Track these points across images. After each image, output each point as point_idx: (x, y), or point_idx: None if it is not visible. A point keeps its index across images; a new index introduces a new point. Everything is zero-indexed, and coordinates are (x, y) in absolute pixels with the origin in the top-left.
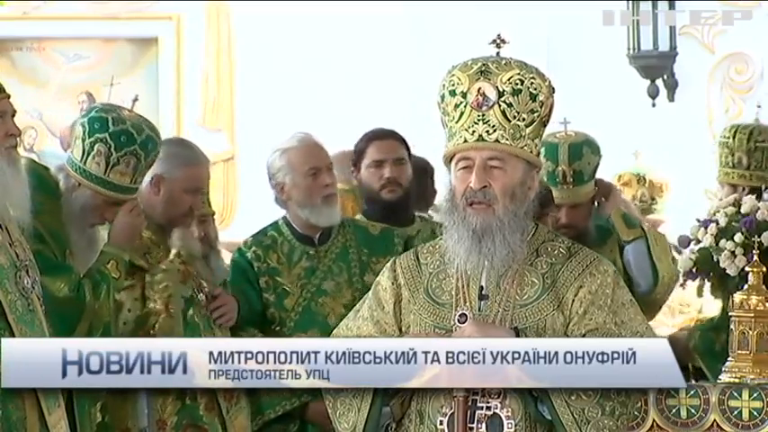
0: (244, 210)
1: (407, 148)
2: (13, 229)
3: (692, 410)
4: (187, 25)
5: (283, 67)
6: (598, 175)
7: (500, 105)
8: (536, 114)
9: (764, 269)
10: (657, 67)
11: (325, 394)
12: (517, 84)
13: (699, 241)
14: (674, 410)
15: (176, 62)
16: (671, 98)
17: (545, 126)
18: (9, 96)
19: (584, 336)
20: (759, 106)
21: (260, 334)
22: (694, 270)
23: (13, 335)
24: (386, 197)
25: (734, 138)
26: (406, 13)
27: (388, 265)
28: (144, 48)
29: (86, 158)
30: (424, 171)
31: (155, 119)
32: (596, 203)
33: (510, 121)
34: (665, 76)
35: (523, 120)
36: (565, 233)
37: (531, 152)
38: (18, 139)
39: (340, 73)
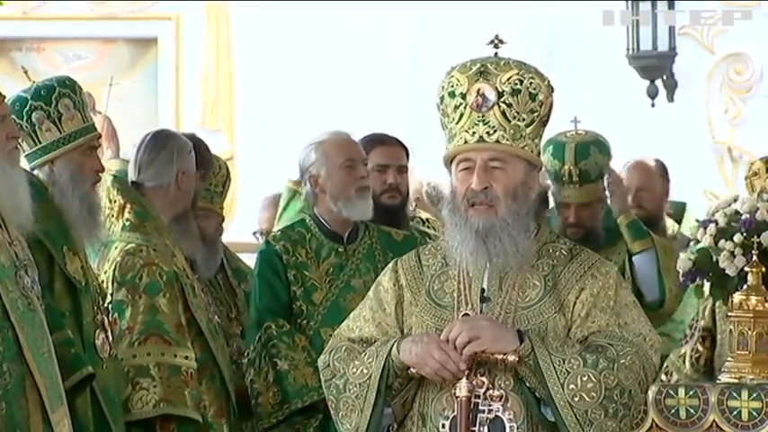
0: (243, 210)
1: (408, 156)
2: (13, 228)
3: (692, 410)
4: (187, 25)
5: (283, 68)
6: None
7: (500, 106)
8: (536, 114)
9: (764, 269)
10: (657, 68)
11: (327, 395)
12: (516, 84)
13: (698, 241)
14: (673, 410)
15: (176, 62)
16: (670, 98)
17: (545, 125)
18: (4, 98)
19: (586, 338)
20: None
21: (287, 325)
22: (693, 270)
23: (15, 334)
24: (386, 202)
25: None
26: (405, 14)
27: (390, 265)
28: (143, 48)
29: (37, 137)
30: None
31: (154, 119)
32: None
33: (510, 122)
34: (665, 77)
35: (523, 120)
36: (573, 233)
37: (532, 152)
38: (18, 140)
39: (340, 73)
